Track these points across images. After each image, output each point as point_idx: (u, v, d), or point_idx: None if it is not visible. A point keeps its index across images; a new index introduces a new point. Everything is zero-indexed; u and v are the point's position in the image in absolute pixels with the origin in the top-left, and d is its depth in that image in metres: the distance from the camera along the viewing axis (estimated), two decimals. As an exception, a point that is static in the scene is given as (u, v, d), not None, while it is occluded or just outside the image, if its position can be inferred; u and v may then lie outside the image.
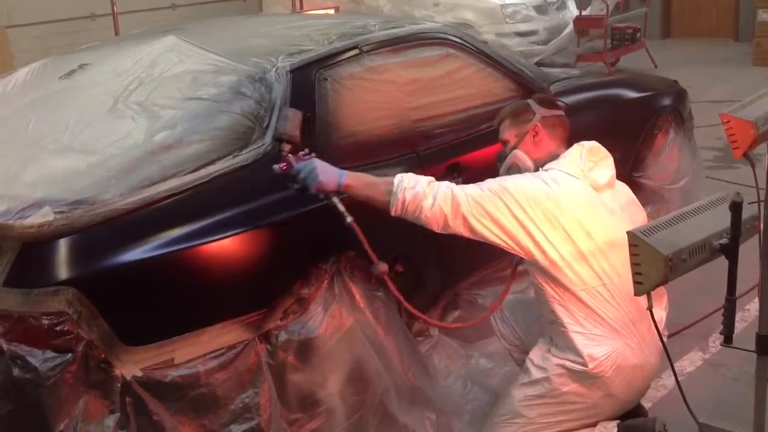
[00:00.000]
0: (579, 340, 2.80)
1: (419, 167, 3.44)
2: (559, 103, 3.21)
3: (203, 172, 2.80)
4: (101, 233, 2.57)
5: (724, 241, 2.32)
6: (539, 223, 2.74)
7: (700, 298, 3.97)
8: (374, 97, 3.45)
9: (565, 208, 2.77)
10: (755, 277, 2.61)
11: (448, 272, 3.57)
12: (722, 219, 2.34)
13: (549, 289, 2.82)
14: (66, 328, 2.46)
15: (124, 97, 3.16)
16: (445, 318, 3.64)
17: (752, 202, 2.53)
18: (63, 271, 2.50)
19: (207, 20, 5.15)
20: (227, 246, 2.78)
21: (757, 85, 7.84)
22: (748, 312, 4.05)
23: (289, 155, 2.86)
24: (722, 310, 2.32)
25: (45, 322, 2.45)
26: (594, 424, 2.90)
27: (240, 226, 2.82)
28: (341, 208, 2.86)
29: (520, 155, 3.02)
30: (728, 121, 3.11)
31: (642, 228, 2.32)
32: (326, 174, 2.79)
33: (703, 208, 2.48)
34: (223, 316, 2.77)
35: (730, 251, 2.31)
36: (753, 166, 3.14)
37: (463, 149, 3.63)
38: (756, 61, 10.17)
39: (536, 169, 2.97)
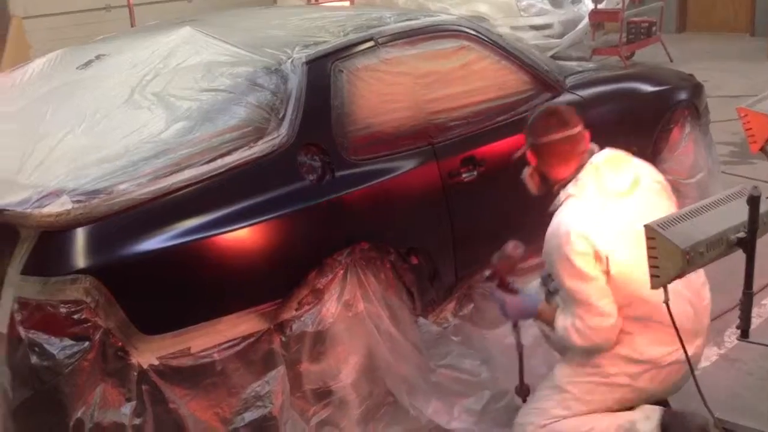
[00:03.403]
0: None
1: (434, 159, 3.45)
2: (570, 119, 2.91)
3: (219, 162, 2.81)
4: (118, 222, 2.59)
5: (741, 234, 2.32)
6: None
7: (716, 294, 3.95)
8: (389, 89, 3.45)
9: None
10: (772, 272, 2.59)
11: (462, 265, 3.57)
12: (740, 213, 2.34)
13: None
14: (83, 317, 2.49)
15: (141, 87, 3.17)
16: (459, 312, 3.63)
17: (770, 196, 2.52)
18: (81, 260, 2.52)
19: (223, 11, 5.16)
20: (243, 236, 2.80)
21: (774, 80, 7.80)
22: (764, 307, 4.03)
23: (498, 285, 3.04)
24: (738, 305, 2.32)
25: (63, 310, 2.48)
26: (633, 408, 2.88)
27: (256, 217, 2.83)
28: (517, 337, 3.09)
29: (525, 176, 2.98)
30: (745, 115, 3.10)
31: (659, 221, 2.31)
32: (514, 312, 3.00)
33: (720, 202, 2.47)
34: (239, 306, 2.79)
35: (748, 245, 2.30)
36: (770, 160, 3.13)
37: (478, 142, 3.62)
38: (772, 55, 10.11)
39: (550, 188, 2.92)
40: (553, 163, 2.87)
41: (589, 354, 2.84)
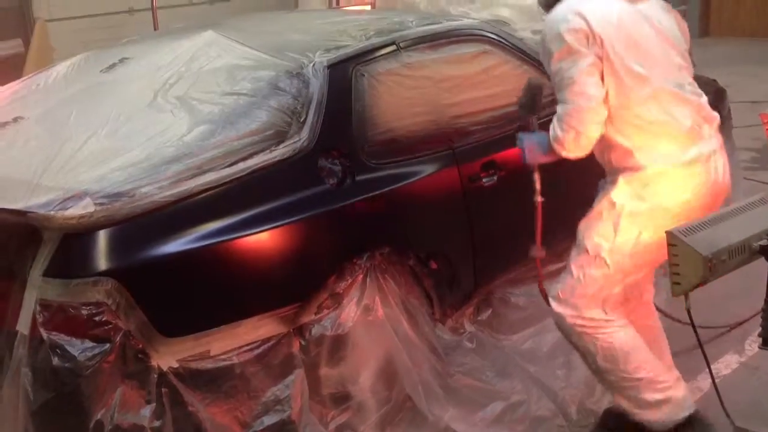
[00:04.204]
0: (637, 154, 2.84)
1: (455, 164, 3.44)
2: None
3: (241, 166, 2.82)
4: (140, 225, 2.61)
5: (764, 242, 2.31)
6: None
7: (737, 301, 3.93)
8: (411, 93, 3.45)
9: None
10: (795, 280, 2.57)
11: (481, 270, 3.57)
12: (762, 220, 2.33)
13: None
14: (104, 319, 2.50)
15: (164, 91, 3.19)
16: (477, 317, 3.62)
17: (793, 204, 2.50)
18: (102, 262, 2.54)
19: (245, 15, 5.18)
20: (264, 240, 2.81)
21: (798, 86, 7.74)
22: (785, 315, 4.00)
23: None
24: (760, 313, 2.30)
25: (84, 312, 2.49)
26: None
27: (277, 221, 2.84)
28: (537, 185, 3.04)
29: None
30: (768, 121, 3.08)
31: (681, 228, 2.30)
32: (531, 154, 2.99)
33: (742, 209, 2.47)
34: (259, 309, 2.80)
35: (770, 253, 2.29)
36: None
37: (499, 146, 3.61)
38: (797, 60, 10.05)
39: None
40: None
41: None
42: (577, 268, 2.94)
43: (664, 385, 2.97)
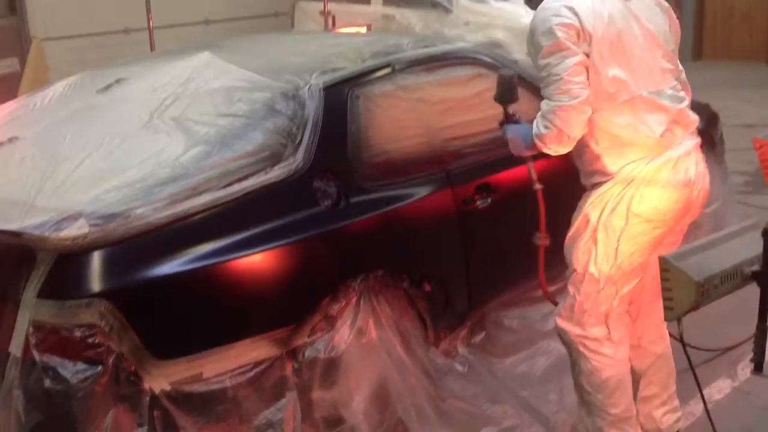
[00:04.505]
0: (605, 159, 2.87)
1: (449, 186, 3.45)
2: None
3: (236, 187, 2.83)
4: (134, 246, 2.61)
5: (755, 268, 2.31)
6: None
7: (730, 325, 3.93)
8: (406, 115, 3.47)
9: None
10: (787, 305, 2.57)
11: (475, 293, 3.57)
12: (754, 246, 2.33)
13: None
14: (97, 341, 2.49)
15: (160, 112, 3.20)
16: (470, 340, 3.62)
17: (785, 230, 2.50)
18: (96, 284, 2.54)
19: (242, 37, 5.20)
20: (258, 261, 2.81)
21: (791, 110, 7.78)
22: (778, 339, 4.00)
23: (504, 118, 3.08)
24: (751, 337, 2.30)
25: (77, 333, 2.49)
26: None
27: (271, 242, 2.84)
28: (533, 174, 3.05)
29: None
30: (761, 146, 3.10)
31: (674, 253, 2.31)
32: (515, 146, 3.02)
33: (735, 234, 2.47)
34: (252, 331, 2.79)
35: (762, 279, 2.29)
36: (785, 193, 3.12)
37: (492, 169, 3.63)
38: (789, 84, 10.11)
39: None
40: None
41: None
42: (572, 288, 2.97)
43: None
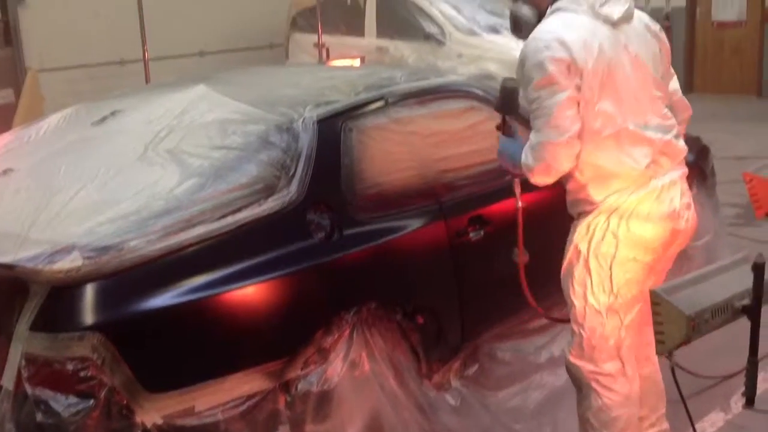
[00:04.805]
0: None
1: (442, 218, 3.47)
2: None
3: (229, 219, 2.84)
4: (128, 279, 2.61)
5: (746, 302, 2.33)
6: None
7: (723, 358, 3.93)
8: (399, 148, 3.49)
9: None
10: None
11: (468, 325, 3.57)
12: (745, 280, 2.35)
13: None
14: (90, 374, 2.49)
15: (155, 144, 3.21)
16: (463, 372, 3.62)
17: (775, 263, 2.52)
18: (89, 316, 2.54)
19: (236, 69, 5.24)
20: (252, 294, 2.81)
21: (781, 142, 7.82)
22: (770, 372, 4.01)
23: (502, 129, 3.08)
24: (743, 370, 2.32)
25: (69, 367, 2.48)
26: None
27: (264, 275, 2.84)
28: (516, 191, 3.12)
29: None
30: (751, 180, 3.13)
31: (664, 287, 2.33)
32: (502, 160, 3.05)
33: (725, 269, 2.49)
34: (245, 364, 2.78)
35: (753, 312, 2.31)
36: (775, 225, 3.14)
37: (485, 201, 3.65)
38: (780, 117, 10.18)
39: (541, 16, 2.92)
40: None
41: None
42: (575, 325, 2.95)
43: None
